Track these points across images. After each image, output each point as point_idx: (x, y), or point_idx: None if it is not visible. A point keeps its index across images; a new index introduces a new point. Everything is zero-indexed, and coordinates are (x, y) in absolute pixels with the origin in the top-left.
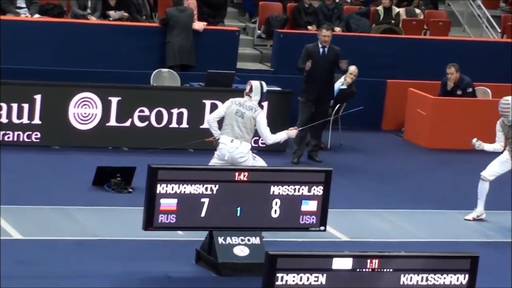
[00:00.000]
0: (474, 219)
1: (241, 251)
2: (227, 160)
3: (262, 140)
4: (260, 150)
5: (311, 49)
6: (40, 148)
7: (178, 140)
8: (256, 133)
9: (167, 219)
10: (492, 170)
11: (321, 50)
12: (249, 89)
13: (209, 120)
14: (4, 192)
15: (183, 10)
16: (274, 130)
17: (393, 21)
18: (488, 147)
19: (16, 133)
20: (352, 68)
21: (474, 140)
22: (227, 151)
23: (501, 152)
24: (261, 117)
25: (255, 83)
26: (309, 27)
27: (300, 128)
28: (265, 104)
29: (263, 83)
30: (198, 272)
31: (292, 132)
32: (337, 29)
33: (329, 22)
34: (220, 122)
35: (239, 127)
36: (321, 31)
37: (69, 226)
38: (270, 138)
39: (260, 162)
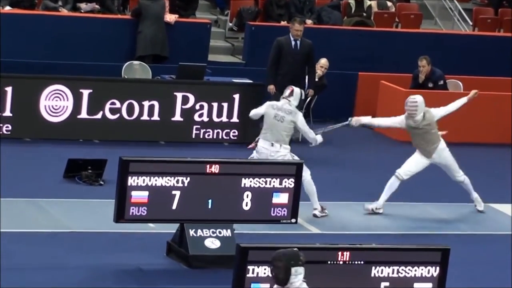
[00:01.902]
0: (373, 210)
1: (212, 244)
2: None
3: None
4: (231, 142)
5: (283, 42)
6: (11, 140)
7: (150, 132)
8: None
9: (138, 212)
10: (407, 170)
11: (293, 43)
12: (289, 93)
13: (251, 115)
14: None
15: (155, 1)
16: (246, 122)
17: (364, 14)
18: (368, 120)
19: None
20: (323, 61)
21: (352, 119)
22: (267, 155)
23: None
24: (302, 118)
25: (296, 90)
26: (282, 22)
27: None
28: (236, 96)
29: (302, 91)
30: (169, 264)
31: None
32: (309, 22)
33: (301, 15)
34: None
35: (278, 131)
36: (294, 24)
37: (40, 218)
38: (316, 138)
39: None
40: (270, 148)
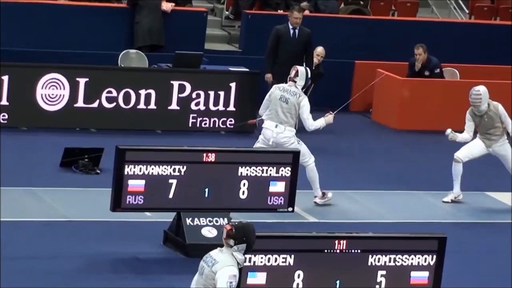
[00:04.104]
0: (452, 201)
1: (209, 232)
2: (272, 145)
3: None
4: (227, 131)
5: (281, 30)
6: (7, 129)
7: (147, 121)
8: None
9: (135, 200)
10: (466, 152)
11: (291, 31)
12: (294, 74)
13: (260, 114)
14: None
15: None
16: (242, 110)
17: (361, 2)
18: (460, 138)
19: None
20: (319, 49)
21: (449, 131)
22: (271, 136)
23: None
24: (305, 103)
25: (301, 69)
26: (279, 10)
27: (336, 111)
28: (233, 85)
29: (308, 68)
30: (166, 253)
31: (329, 118)
32: (305, 11)
33: (297, 3)
34: None
35: (284, 113)
36: (293, 13)
37: (37, 207)
38: (312, 124)
39: (303, 147)
40: (274, 129)
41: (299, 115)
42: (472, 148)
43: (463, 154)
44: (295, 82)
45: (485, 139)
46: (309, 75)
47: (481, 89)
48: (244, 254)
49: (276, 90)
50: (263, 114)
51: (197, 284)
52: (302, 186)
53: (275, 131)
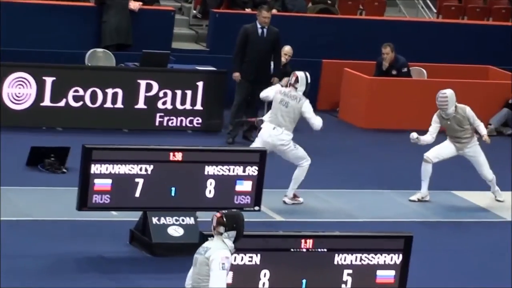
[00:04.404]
0: (419, 200)
1: (175, 231)
2: (267, 146)
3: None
4: (194, 130)
5: (250, 30)
6: None
7: (113, 120)
8: None
9: (101, 200)
10: (436, 153)
11: (259, 30)
12: (294, 79)
13: (262, 97)
14: None
15: None
16: (210, 110)
17: (329, 1)
18: (422, 141)
19: None
20: (287, 48)
21: (414, 135)
22: (268, 137)
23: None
24: (306, 106)
25: (301, 74)
26: (247, 9)
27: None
28: (200, 84)
29: (307, 73)
30: (132, 252)
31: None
32: (273, 10)
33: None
34: None
35: (282, 116)
36: (261, 12)
37: (2, 206)
38: (320, 122)
39: (300, 151)
40: (271, 131)
41: (306, 119)
42: (442, 149)
43: (433, 155)
44: (296, 88)
45: (455, 142)
46: (309, 80)
47: (448, 92)
48: (234, 242)
49: (277, 94)
50: (263, 98)
51: (192, 276)
52: (269, 185)
53: (272, 133)
